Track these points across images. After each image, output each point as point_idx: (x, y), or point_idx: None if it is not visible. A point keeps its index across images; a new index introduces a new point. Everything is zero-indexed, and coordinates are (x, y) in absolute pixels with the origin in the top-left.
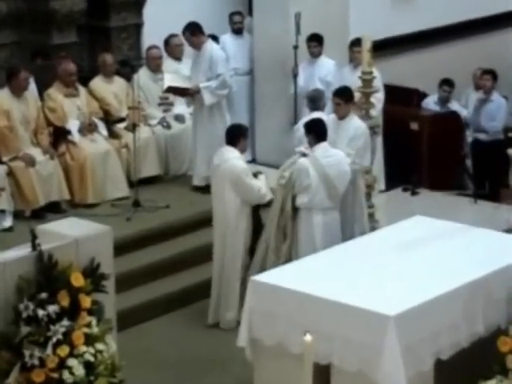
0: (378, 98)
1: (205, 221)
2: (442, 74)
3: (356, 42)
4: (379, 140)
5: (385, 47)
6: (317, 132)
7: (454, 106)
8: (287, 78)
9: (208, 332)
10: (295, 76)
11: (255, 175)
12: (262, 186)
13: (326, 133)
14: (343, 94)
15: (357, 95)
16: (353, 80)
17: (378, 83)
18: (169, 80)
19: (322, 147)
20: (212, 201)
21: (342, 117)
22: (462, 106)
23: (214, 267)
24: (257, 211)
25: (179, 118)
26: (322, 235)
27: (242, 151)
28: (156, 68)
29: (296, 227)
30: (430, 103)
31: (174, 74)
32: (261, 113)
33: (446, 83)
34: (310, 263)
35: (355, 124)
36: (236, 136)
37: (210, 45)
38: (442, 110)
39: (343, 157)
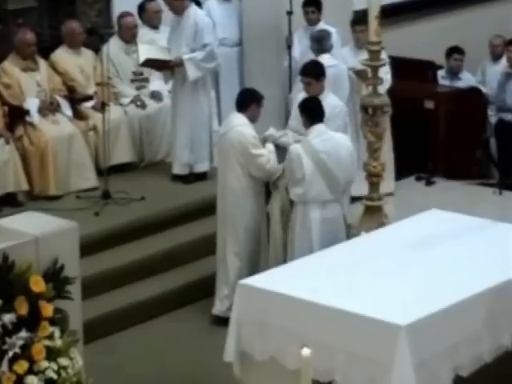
0: (387, 79)
1: (187, 215)
2: (453, 44)
3: (358, 20)
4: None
5: (393, 14)
6: (310, 112)
7: (466, 76)
8: (281, 49)
9: (190, 344)
10: (289, 47)
11: (264, 140)
12: (272, 158)
13: (323, 113)
14: (313, 72)
15: (365, 70)
16: (355, 64)
17: (383, 56)
18: (145, 52)
19: (317, 130)
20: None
21: None
22: (478, 82)
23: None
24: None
25: (156, 96)
26: (320, 232)
27: (252, 119)
28: (131, 38)
29: (291, 223)
30: (438, 78)
31: (150, 44)
32: None
33: (456, 51)
34: (307, 264)
35: (331, 103)
36: (246, 101)
37: (193, 10)
38: (453, 83)
39: (344, 140)
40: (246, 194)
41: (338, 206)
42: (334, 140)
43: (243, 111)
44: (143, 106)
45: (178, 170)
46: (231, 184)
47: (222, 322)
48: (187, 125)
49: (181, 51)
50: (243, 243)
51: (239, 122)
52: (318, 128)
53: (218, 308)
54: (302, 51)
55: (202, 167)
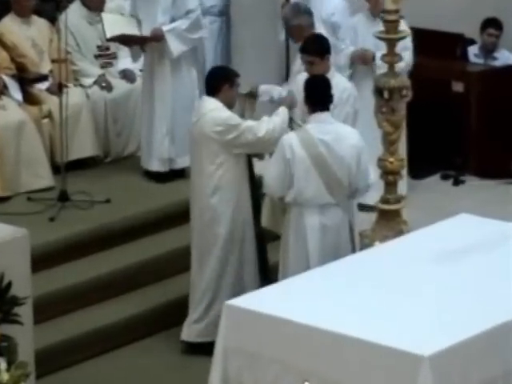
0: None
1: (162, 221)
2: (488, 13)
3: None
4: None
5: None
6: (313, 96)
7: (504, 55)
8: (275, 19)
9: (162, 379)
10: None
11: (252, 95)
12: (273, 121)
13: (329, 97)
14: (316, 48)
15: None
16: (370, 37)
17: (404, 27)
18: (111, 24)
19: (319, 119)
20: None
21: None
22: None
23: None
24: (257, 201)
25: (128, 76)
26: (318, 242)
27: (228, 103)
28: (98, 5)
29: (283, 231)
30: (470, 56)
31: (116, 13)
32: (240, 67)
33: (492, 24)
34: (307, 282)
35: (339, 85)
36: (216, 82)
37: None
38: (487, 62)
39: (351, 134)
40: (222, 196)
41: (340, 212)
42: (337, 131)
43: (215, 95)
44: (109, 87)
45: (156, 166)
46: (203, 183)
47: (199, 350)
48: (168, 111)
49: (157, 21)
50: (219, 256)
51: (211, 107)
52: (320, 116)
53: (185, 333)
54: None
55: (183, 162)
